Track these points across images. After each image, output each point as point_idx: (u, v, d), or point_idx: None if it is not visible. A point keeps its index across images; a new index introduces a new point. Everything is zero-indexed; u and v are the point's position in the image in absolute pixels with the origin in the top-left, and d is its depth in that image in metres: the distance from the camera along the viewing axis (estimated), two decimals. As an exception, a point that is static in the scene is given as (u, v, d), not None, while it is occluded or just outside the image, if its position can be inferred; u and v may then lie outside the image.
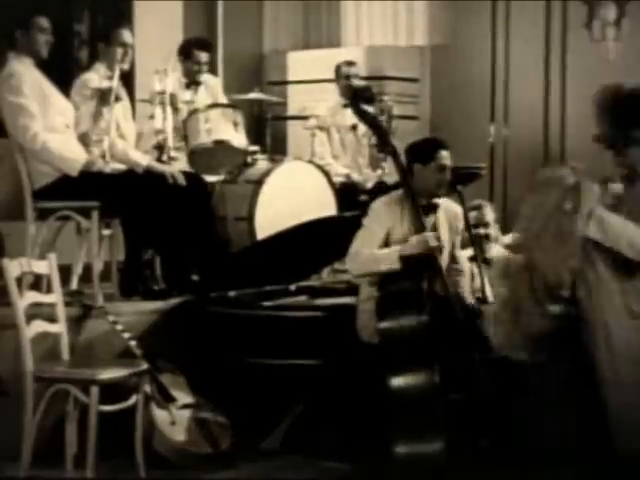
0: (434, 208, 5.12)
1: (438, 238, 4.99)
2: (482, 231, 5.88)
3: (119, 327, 5.22)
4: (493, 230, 5.99)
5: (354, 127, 7.36)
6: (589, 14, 8.13)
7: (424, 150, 5.14)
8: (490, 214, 6.01)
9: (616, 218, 4.05)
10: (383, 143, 5.30)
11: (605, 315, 3.97)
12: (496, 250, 5.89)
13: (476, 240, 5.54)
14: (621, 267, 4.03)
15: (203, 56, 7.08)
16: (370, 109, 4.96)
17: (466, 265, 5.36)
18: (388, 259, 4.90)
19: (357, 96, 4.85)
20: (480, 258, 5.47)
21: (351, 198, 6.92)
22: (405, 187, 5.06)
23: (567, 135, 8.33)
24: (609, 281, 4.00)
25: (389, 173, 6.95)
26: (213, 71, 7.93)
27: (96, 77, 6.11)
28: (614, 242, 3.99)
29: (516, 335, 4.11)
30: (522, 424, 4.21)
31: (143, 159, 6.06)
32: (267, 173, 6.62)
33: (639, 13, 7.97)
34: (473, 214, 5.74)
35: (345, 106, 7.33)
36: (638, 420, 3.94)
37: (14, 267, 4.87)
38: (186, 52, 7.06)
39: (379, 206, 5.14)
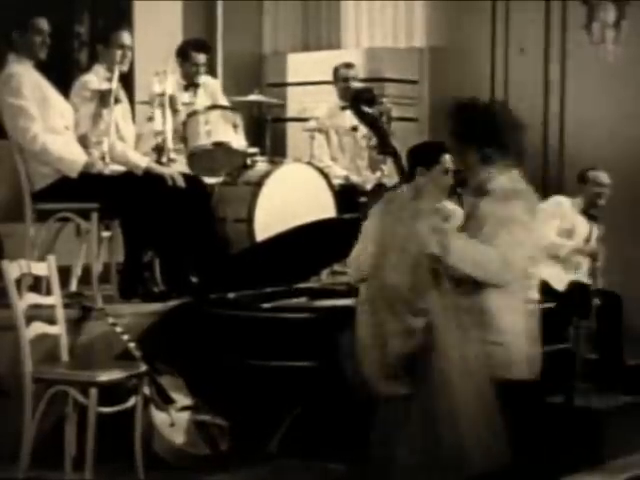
0: (434, 210, 5.11)
1: None
2: None
3: (118, 329, 5.21)
4: None
5: (353, 129, 7.35)
6: (588, 16, 8.11)
7: (428, 154, 5.12)
8: None
9: (461, 238, 3.94)
10: (384, 145, 5.26)
11: (452, 335, 3.88)
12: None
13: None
14: (466, 285, 3.93)
15: (201, 58, 7.07)
16: (371, 110, 4.94)
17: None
18: None
19: (358, 98, 4.81)
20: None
21: (350, 200, 6.92)
22: (405, 189, 5.05)
23: (566, 135, 8.32)
24: (453, 299, 3.92)
25: (388, 175, 6.95)
26: (212, 72, 7.93)
27: (95, 79, 6.11)
28: (458, 261, 3.88)
29: (386, 365, 3.96)
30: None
31: (142, 161, 6.06)
32: (266, 175, 6.62)
33: (639, 15, 7.96)
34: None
35: (343, 108, 7.33)
36: (484, 442, 3.88)
37: (13, 269, 4.87)
38: (184, 54, 7.06)
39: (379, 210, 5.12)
